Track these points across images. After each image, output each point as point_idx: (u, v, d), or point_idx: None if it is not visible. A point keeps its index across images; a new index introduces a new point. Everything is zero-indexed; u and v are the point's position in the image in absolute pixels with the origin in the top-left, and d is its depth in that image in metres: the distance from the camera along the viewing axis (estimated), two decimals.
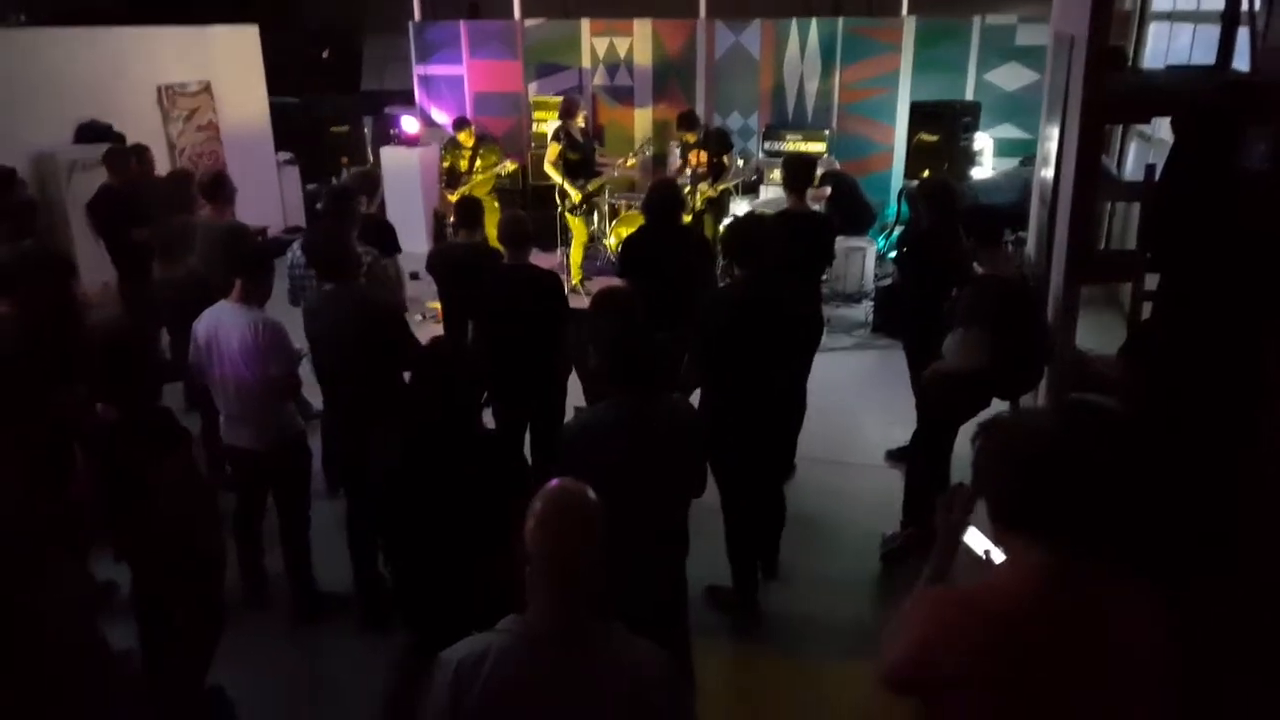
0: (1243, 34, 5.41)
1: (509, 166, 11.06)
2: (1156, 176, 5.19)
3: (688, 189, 9.39)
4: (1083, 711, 1.99)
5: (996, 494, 2.15)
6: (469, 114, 12.16)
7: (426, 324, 8.93)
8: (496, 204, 10.37)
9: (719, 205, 9.82)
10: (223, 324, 4.72)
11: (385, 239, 6.60)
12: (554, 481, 2.29)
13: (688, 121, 9.73)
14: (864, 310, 9.51)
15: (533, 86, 12.47)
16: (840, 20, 11.40)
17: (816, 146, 10.82)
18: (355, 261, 5.15)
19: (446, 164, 10.90)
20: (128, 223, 7.27)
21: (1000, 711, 2.01)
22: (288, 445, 4.91)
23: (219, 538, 4.19)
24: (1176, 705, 2.08)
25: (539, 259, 5.74)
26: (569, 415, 5.25)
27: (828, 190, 9.40)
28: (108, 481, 3.77)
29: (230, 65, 12.03)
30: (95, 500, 3.80)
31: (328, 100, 12.91)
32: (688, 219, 8.88)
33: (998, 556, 3.06)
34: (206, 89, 11.60)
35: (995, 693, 1.99)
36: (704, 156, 9.68)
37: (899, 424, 6.16)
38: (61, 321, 4.82)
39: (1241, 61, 5.51)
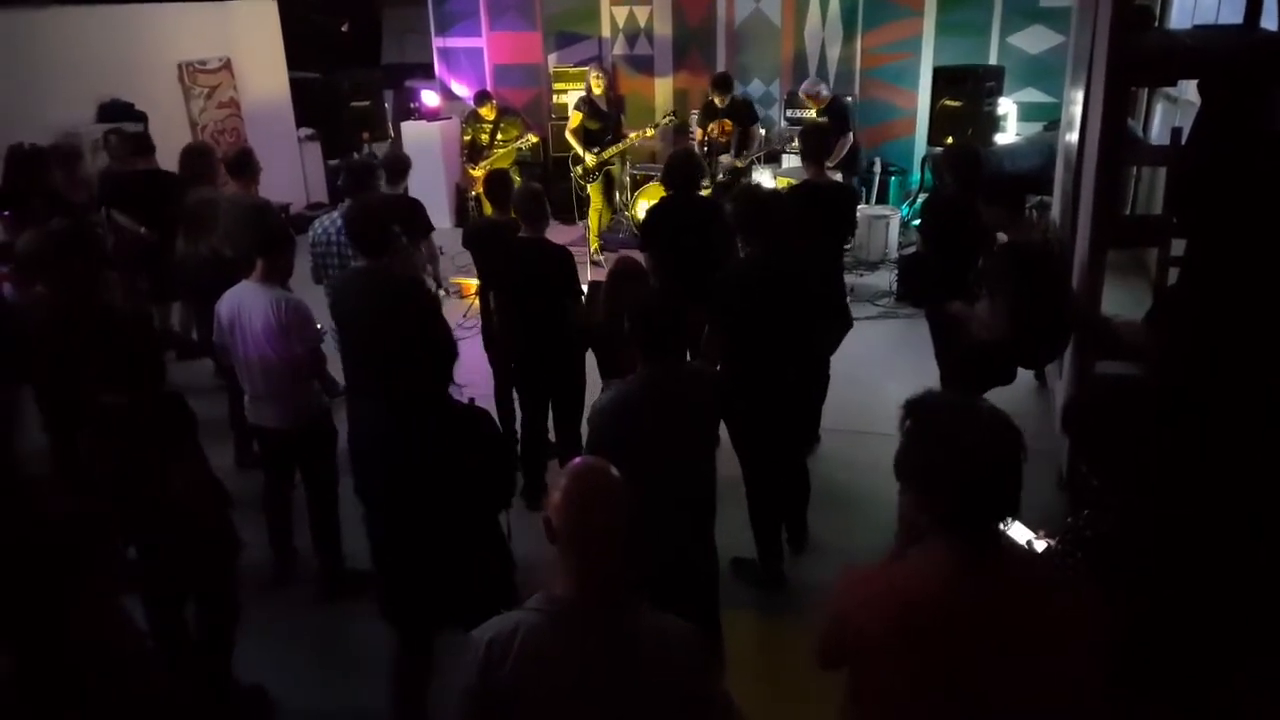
0: None
1: (531, 139, 11.03)
2: (1183, 140, 5.14)
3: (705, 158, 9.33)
4: (998, 684, 2.01)
5: (922, 496, 2.13)
6: (489, 86, 12.14)
7: (450, 299, 8.95)
8: (518, 177, 10.35)
9: (741, 177, 9.74)
10: (245, 304, 4.74)
11: (417, 219, 6.57)
12: (577, 459, 2.31)
13: (723, 84, 9.60)
14: (887, 279, 9.44)
15: (553, 57, 12.41)
16: None
17: None
18: (391, 239, 5.16)
19: (468, 138, 10.89)
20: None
21: (917, 682, 2.04)
22: (313, 424, 4.93)
23: (229, 524, 4.20)
24: (1099, 682, 2.09)
25: (560, 232, 5.75)
26: (589, 389, 5.27)
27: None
28: (115, 466, 3.78)
29: (250, 41, 12.04)
30: (102, 484, 3.81)
31: (348, 74, 12.88)
32: (707, 191, 8.84)
33: (1040, 545, 3.06)
34: (227, 65, 11.62)
35: (911, 664, 2.02)
36: (729, 125, 9.60)
37: None
38: (92, 302, 4.86)
39: (1270, 20, 5.43)
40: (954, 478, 2.03)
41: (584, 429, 4.02)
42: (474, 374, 5.50)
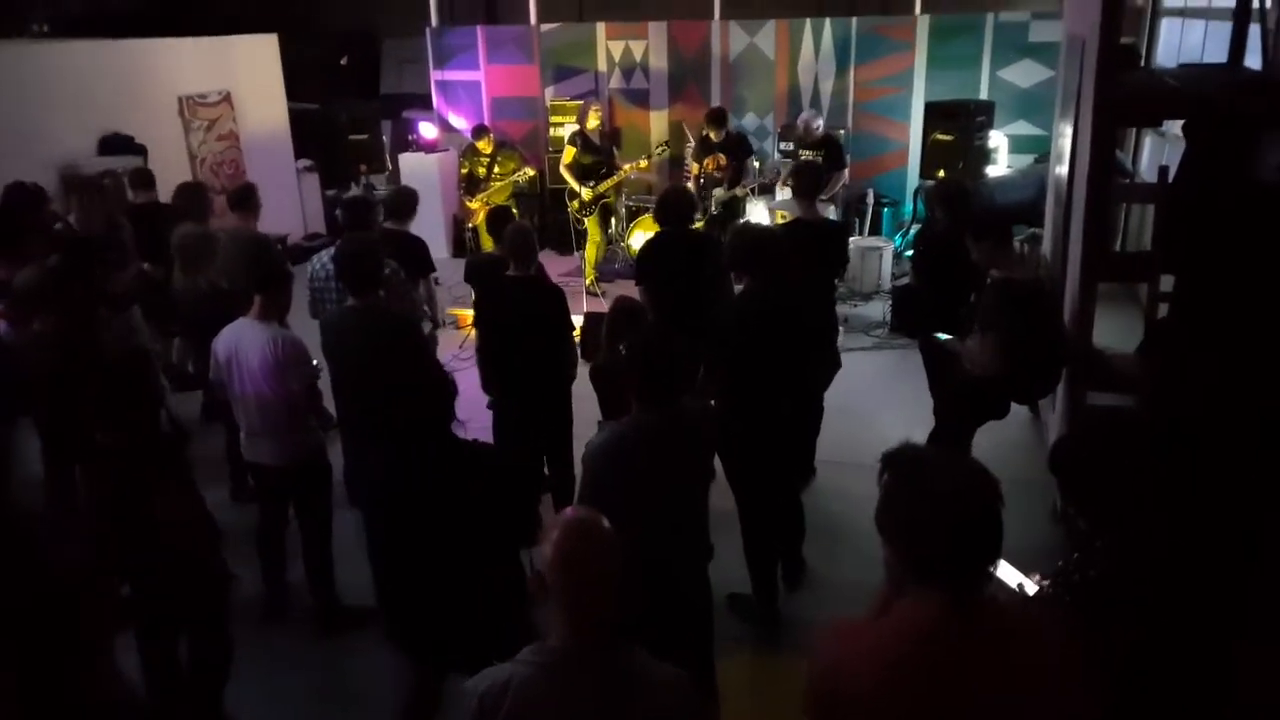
0: (1255, 30, 5.41)
1: (527, 173, 11.12)
2: (1170, 178, 5.20)
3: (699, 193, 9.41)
4: None
5: (904, 551, 2.14)
6: (486, 119, 12.25)
7: (446, 330, 8.99)
8: (515, 210, 10.41)
9: (734, 209, 9.82)
10: (243, 341, 4.75)
11: (417, 257, 6.50)
12: (569, 510, 2.34)
13: (718, 119, 9.66)
14: (881, 309, 9.49)
15: (550, 90, 12.52)
16: (854, 19, 11.39)
17: None
18: (380, 278, 5.18)
19: (465, 170, 10.98)
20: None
21: None
22: (308, 460, 4.95)
23: (222, 564, 4.21)
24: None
25: (557, 262, 5.77)
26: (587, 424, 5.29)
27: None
28: (110, 501, 3.79)
29: (250, 75, 12.12)
30: (98, 525, 3.82)
31: (346, 105, 12.94)
32: (701, 225, 8.91)
33: (1030, 588, 3.09)
34: (226, 99, 11.69)
35: (901, 713, 2.03)
36: (723, 160, 9.68)
37: (918, 425, 6.13)
38: (90, 339, 4.89)
39: (1254, 58, 5.50)
40: (933, 531, 2.05)
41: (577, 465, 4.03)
42: (472, 408, 5.51)
